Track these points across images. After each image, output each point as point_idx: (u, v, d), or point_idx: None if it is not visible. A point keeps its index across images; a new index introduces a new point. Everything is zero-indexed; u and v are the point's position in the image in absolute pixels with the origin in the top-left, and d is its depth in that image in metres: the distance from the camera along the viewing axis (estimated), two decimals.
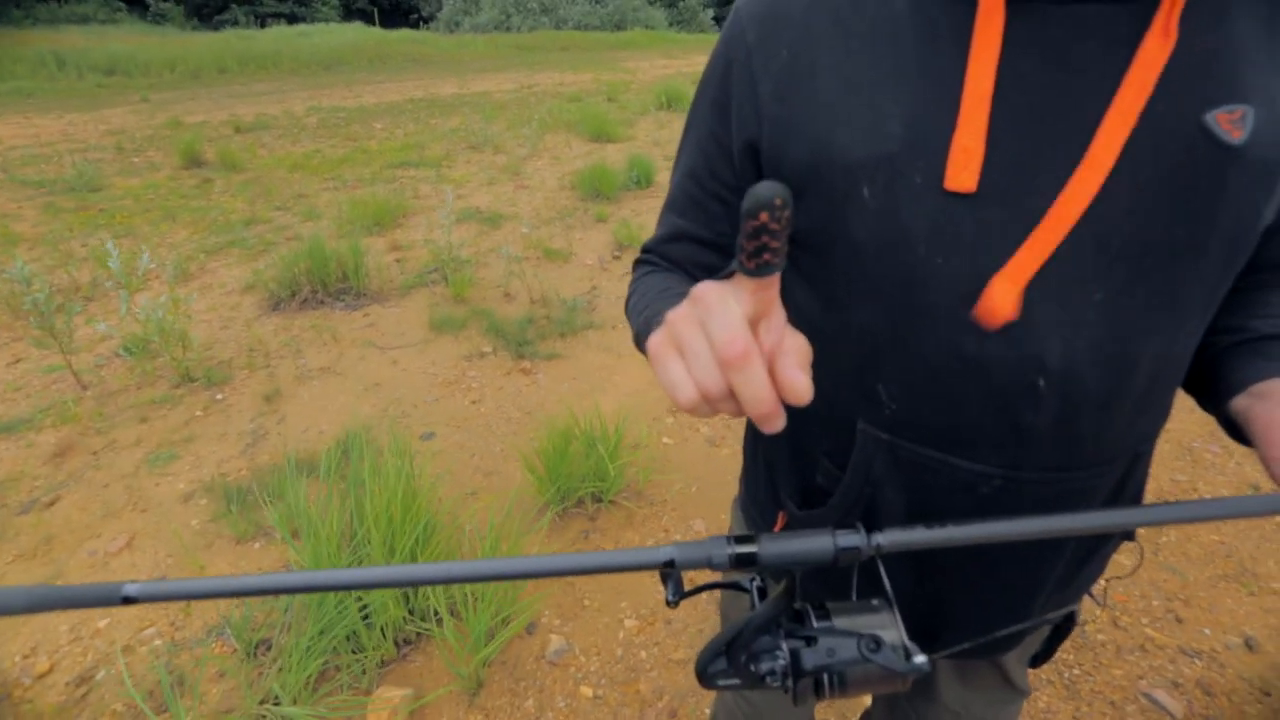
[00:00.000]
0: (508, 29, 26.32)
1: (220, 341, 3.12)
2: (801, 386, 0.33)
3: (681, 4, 35.37)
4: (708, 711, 1.48)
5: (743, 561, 0.39)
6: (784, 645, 0.42)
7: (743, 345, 0.32)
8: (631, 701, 1.54)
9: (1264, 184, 0.44)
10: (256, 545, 1.96)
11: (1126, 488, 0.55)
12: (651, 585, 1.85)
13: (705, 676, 0.45)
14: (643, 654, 1.65)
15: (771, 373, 0.34)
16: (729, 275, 0.35)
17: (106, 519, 2.07)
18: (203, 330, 3.20)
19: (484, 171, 6.13)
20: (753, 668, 0.42)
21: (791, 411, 0.64)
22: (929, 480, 0.52)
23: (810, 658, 0.41)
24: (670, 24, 31.47)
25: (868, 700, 1.15)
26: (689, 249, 0.63)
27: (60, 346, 2.68)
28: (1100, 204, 0.43)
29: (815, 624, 0.43)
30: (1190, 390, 0.56)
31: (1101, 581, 0.69)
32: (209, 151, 6.43)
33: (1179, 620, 1.75)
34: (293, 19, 27.62)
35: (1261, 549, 2.00)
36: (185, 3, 28.65)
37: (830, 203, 0.49)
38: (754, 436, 0.73)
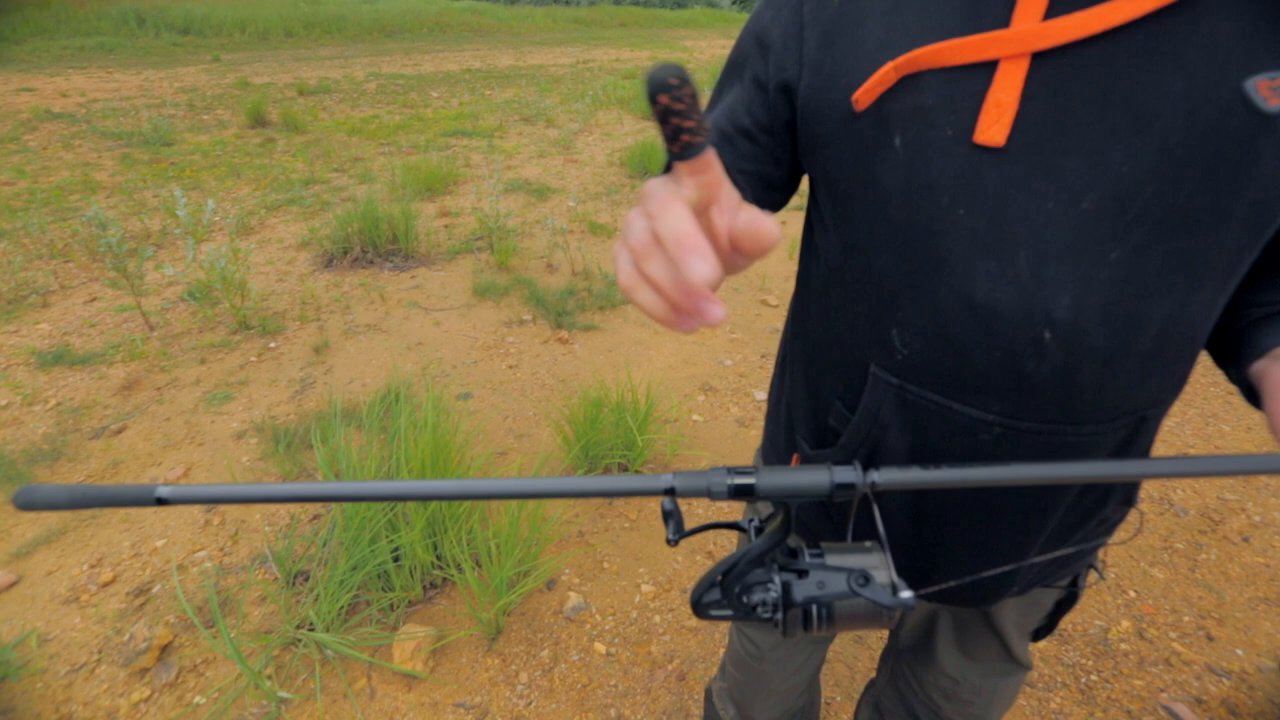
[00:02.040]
0: (567, 3, 26.18)
1: (276, 293, 3.26)
2: (766, 230, 0.31)
3: None
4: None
5: (740, 492, 0.41)
6: (776, 578, 0.44)
7: (689, 237, 0.29)
8: (642, 661, 1.59)
9: None
10: None
11: (1129, 452, 0.55)
12: (669, 553, 1.89)
13: (699, 606, 0.47)
14: (656, 618, 1.70)
15: (738, 246, 0.32)
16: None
17: (167, 449, 2.22)
18: (260, 282, 3.35)
19: (535, 144, 6.18)
20: (745, 599, 0.44)
21: (810, 354, 0.66)
22: (932, 424, 0.54)
23: (800, 590, 0.43)
24: (732, 3, 30.78)
25: (873, 672, 1.17)
26: None
27: (131, 288, 2.85)
28: (1125, 164, 0.44)
29: (808, 559, 0.45)
30: (1216, 359, 0.56)
31: (1100, 553, 0.69)
32: (273, 112, 6.64)
33: (1210, 638, 1.70)
34: None
35: None
36: None
37: (862, 150, 0.51)
38: (779, 383, 0.75)
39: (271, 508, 1.98)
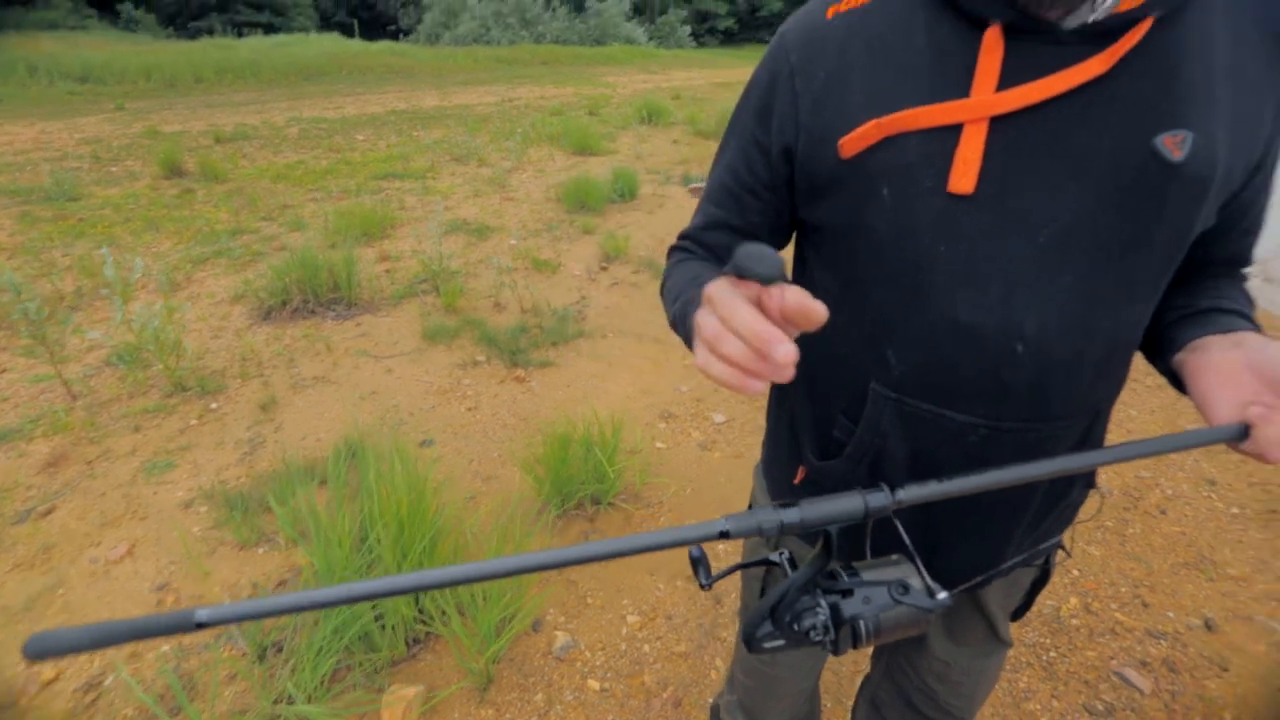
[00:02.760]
0: (487, 42, 26.41)
1: (212, 351, 3.12)
2: (815, 310, 0.40)
3: (660, 20, 35.91)
4: (709, 700, 1.55)
5: (789, 527, 0.44)
6: (823, 601, 0.49)
7: (767, 331, 0.39)
8: (637, 693, 1.60)
9: (1197, 196, 0.54)
10: (260, 550, 1.98)
11: (1089, 440, 0.65)
12: (650, 582, 1.91)
13: (754, 641, 0.51)
14: (645, 648, 1.72)
15: (790, 320, 0.41)
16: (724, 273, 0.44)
17: (105, 527, 2.07)
18: (193, 340, 3.19)
19: (469, 183, 6.18)
20: (796, 626, 0.48)
21: (813, 375, 0.73)
22: (927, 431, 0.62)
23: (848, 609, 0.48)
24: (650, 39, 31.84)
25: (854, 676, 1.23)
26: (724, 236, 0.73)
27: (51, 356, 2.67)
28: (1069, 206, 0.54)
29: (848, 580, 0.50)
30: (1147, 354, 0.67)
31: (1068, 531, 0.79)
32: (189, 161, 6.38)
33: (1145, 605, 1.86)
34: (270, 29, 27.41)
35: (1218, 538, 2.13)
36: (159, 11, 28.28)
37: (855, 200, 0.60)
38: (778, 402, 0.82)
39: (231, 579, 1.88)
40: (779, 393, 0.81)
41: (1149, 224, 0.54)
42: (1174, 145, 0.52)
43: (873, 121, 0.56)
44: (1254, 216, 0.63)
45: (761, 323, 0.40)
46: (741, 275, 0.41)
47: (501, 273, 3.89)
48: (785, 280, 0.40)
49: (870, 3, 0.59)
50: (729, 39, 44.53)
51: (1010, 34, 0.52)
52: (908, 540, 0.50)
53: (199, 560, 1.94)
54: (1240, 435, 0.49)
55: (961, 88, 0.54)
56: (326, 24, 33.21)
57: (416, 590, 0.40)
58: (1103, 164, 0.53)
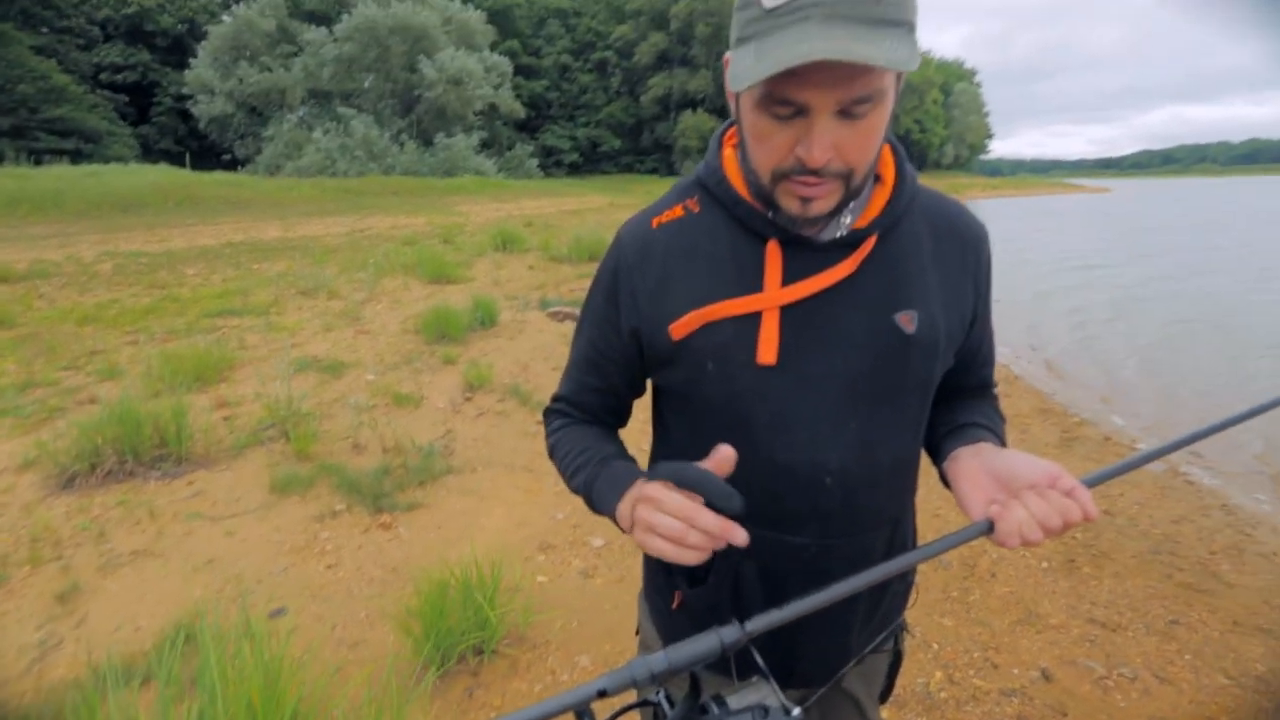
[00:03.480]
0: (333, 173, 26.30)
1: None
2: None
3: (509, 154, 38.22)
4: None
5: (658, 677, 0.51)
6: None
7: (727, 525, 0.58)
8: None
9: (930, 354, 0.74)
10: None
11: (895, 541, 0.81)
12: None
13: None
14: None
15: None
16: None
17: None
18: None
19: (319, 318, 5.95)
20: None
21: None
22: (772, 553, 0.75)
23: None
24: (499, 171, 33.55)
25: None
26: (594, 397, 0.87)
27: None
28: (845, 368, 0.72)
29: (716, 712, 0.57)
30: (932, 460, 0.85)
31: (906, 614, 0.94)
32: None
33: (995, 666, 2.09)
34: (78, 157, 25.22)
35: (1038, 592, 2.48)
36: None
37: (689, 372, 0.75)
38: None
39: None
40: None
41: (902, 377, 0.74)
42: (907, 321, 0.73)
43: (694, 312, 0.73)
44: (984, 354, 0.87)
45: (713, 517, 0.58)
46: (697, 495, 0.60)
47: (359, 411, 3.73)
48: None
49: (684, 217, 0.78)
50: (574, 170, 48.31)
51: (785, 245, 0.72)
52: (762, 664, 0.60)
53: None
54: (989, 529, 0.63)
55: (757, 285, 0.72)
56: (150, 153, 31.30)
57: None
58: (863, 336, 0.72)
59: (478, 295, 6.30)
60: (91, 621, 2.18)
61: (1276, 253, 15.32)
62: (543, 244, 10.76)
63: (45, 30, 31.23)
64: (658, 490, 0.61)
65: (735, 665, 0.64)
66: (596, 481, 0.77)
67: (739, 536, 0.58)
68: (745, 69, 0.59)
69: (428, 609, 1.95)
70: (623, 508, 0.70)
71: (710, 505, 0.59)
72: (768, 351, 0.71)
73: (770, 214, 0.72)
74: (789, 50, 0.55)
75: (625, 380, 0.84)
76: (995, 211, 30.30)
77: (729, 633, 0.55)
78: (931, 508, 3.03)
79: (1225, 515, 3.21)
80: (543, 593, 2.40)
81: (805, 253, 0.72)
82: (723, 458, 0.62)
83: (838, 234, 0.72)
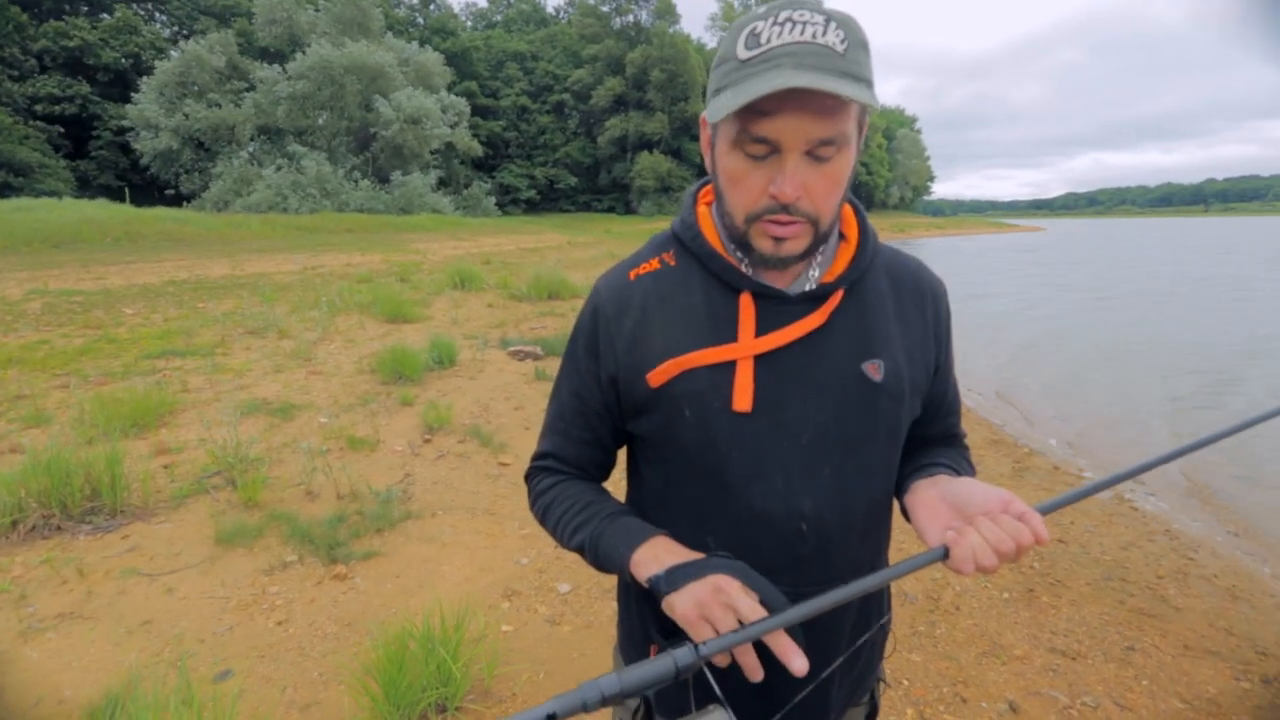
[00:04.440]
0: (284, 210, 25.77)
1: None
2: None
3: (466, 192, 38.28)
4: None
5: (608, 699, 0.50)
6: None
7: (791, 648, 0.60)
8: None
9: (896, 401, 0.77)
10: None
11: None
12: None
13: None
14: None
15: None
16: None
17: None
18: None
19: (269, 358, 5.74)
20: None
21: None
22: None
23: None
24: (457, 209, 33.48)
25: None
26: (582, 450, 0.86)
27: None
28: (818, 415, 0.74)
29: None
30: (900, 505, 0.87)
31: (885, 665, 0.95)
32: None
33: (964, 700, 2.10)
34: (6, 190, 24.03)
35: (1001, 623, 2.52)
36: None
37: (666, 419, 0.76)
38: (625, 586, 0.89)
39: None
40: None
41: (872, 424, 0.76)
42: (875, 370, 0.76)
43: (671, 360, 0.74)
44: (949, 402, 0.89)
45: (787, 645, 0.61)
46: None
47: (312, 456, 3.58)
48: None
49: (660, 269, 0.80)
50: (532, 207, 48.66)
51: (758, 298, 0.74)
52: (718, 690, 0.59)
53: None
54: (944, 555, 0.64)
55: (732, 335, 0.74)
56: (87, 188, 30.07)
57: None
58: (834, 384, 0.74)
59: (435, 335, 6.20)
60: (7, 697, 1.99)
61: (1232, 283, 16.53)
62: (501, 282, 10.72)
63: None
64: (734, 586, 0.62)
65: (694, 693, 0.64)
66: (604, 536, 0.76)
67: (799, 665, 0.60)
68: (723, 104, 0.64)
69: (386, 664, 1.85)
70: (641, 557, 0.71)
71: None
72: (743, 398, 0.72)
73: (744, 261, 0.75)
74: (765, 85, 0.60)
75: (610, 431, 0.84)
76: (953, 251, 31.65)
77: (683, 655, 0.55)
78: (896, 540, 3.07)
79: (1169, 540, 3.36)
80: (508, 643, 2.32)
81: (777, 305, 0.74)
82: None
83: (806, 287, 0.75)
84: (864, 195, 69.27)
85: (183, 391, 4.69)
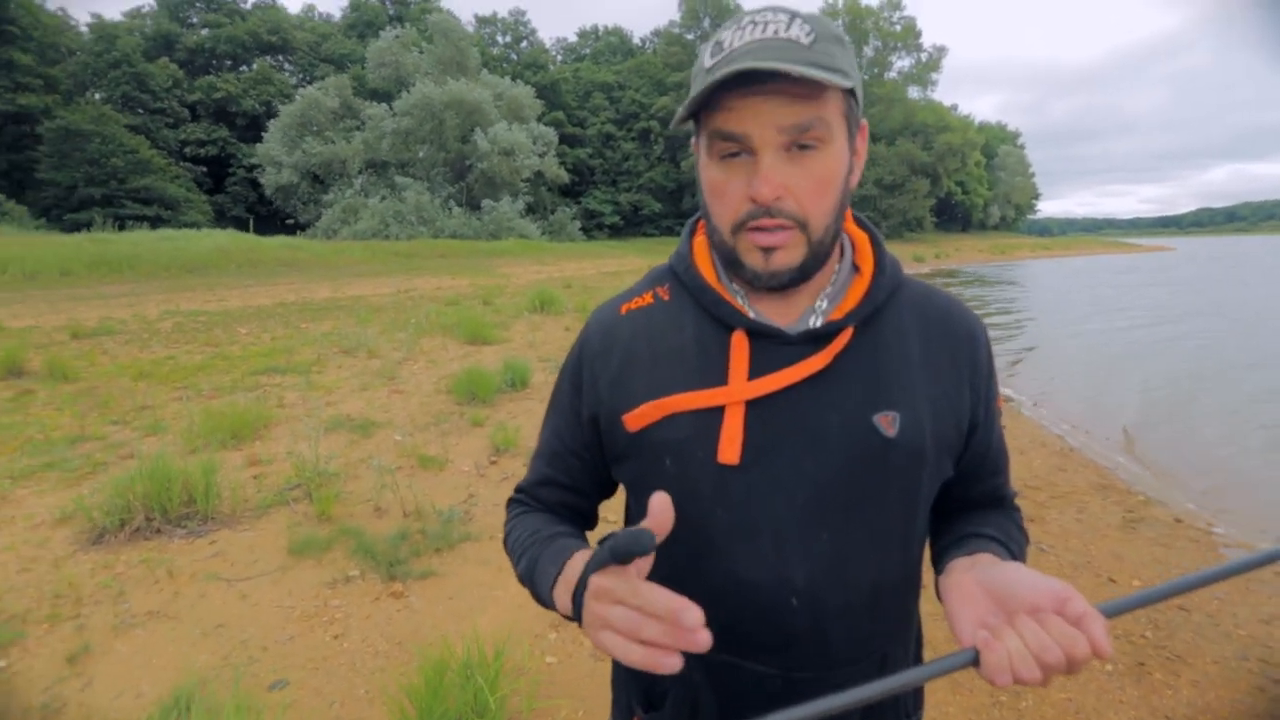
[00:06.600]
0: (386, 237, 27.70)
1: (16, 589, 2.65)
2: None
3: (552, 217, 39.68)
4: None
5: None
6: None
7: (675, 601, 0.47)
8: None
9: (915, 461, 0.65)
10: None
11: None
12: None
13: None
14: None
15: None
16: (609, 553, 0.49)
17: None
18: None
19: (357, 376, 6.10)
20: None
21: None
22: (731, 681, 0.66)
23: None
24: (543, 234, 34.75)
25: None
26: (555, 492, 0.79)
27: None
28: (817, 472, 0.64)
29: None
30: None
31: None
32: (35, 359, 5.90)
33: None
34: (157, 223, 27.25)
35: (1102, 700, 2.21)
36: (34, 203, 27.56)
37: (645, 465, 0.69)
38: (613, 662, 0.82)
39: None
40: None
41: (881, 486, 0.65)
42: (888, 424, 0.65)
43: (651, 403, 0.67)
44: (992, 462, 0.76)
45: (666, 595, 0.48)
46: (624, 560, 0.46)
47: (383, 473, 3.73)
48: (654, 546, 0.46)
49: (652, 304, 0.73)
50: (616, 232, 49.70)
51: (753, 336, 0.66)
52: None
53: None
54: (974, 660, 0.51)
55: (721, 377, 0.66)
56: (222, 219, 33.72)
57: None
58: (835, 438, 0.64)
59: (510, 358, 6.38)
60: (97, 686, 2.16)
61: None
62: (580, 305, 10.95)
63: (140, 111, 34.68)
64: (608, 580, 0.50)
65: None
66: (539, 563, 0.67)
67: (692, 619, 0.46)
68: (683, 108, 0.61)
69: (424, 689, 1.86)
70: (560, 593, 0.61)
71: (631, 555, 0.47)
72: (730, 449, 0.64)
73: (739, 295, 0.68)
74: (717, 76, 0.57)
75: (590, 477, 0.77)
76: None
77: None
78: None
79: None
80: (550, 676, 2.28)
81: (775, 345, 0.66)
82: (658, 508, 0.49)
83: (811, 324, 0.66)
84: (960, 216, 65.96)
85: (279, 406, 5.06)
